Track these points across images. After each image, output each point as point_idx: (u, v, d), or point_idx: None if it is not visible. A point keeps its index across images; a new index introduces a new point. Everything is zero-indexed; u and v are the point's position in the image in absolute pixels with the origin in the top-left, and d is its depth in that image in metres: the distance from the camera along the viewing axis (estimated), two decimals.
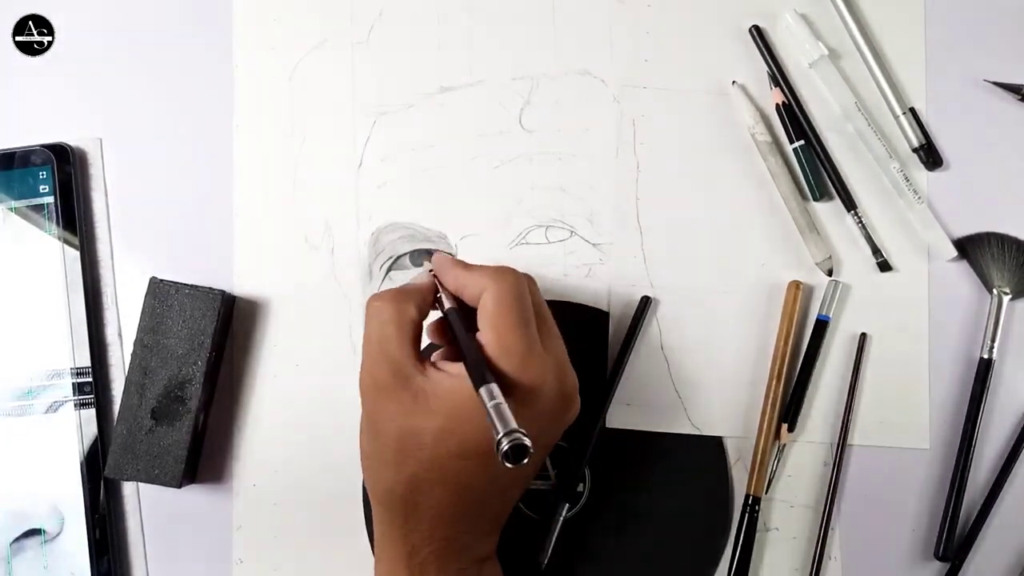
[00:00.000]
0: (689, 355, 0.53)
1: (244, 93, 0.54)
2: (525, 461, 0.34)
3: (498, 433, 0.34)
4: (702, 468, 0.52)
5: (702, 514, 0.52)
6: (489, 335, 0.41)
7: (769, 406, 0.52)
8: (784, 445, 0.52)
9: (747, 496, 0.51)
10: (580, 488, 0.52)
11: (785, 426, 0.52)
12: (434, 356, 0.45)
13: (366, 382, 0.42)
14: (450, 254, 0.47)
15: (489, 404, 0.36)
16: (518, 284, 0.42)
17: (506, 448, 0.34)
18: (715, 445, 0.52)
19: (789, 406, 0.52)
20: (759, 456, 0.51)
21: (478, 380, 0.37)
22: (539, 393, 0.40)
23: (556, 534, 0.51)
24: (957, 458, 0.52)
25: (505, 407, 0.36)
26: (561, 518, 0.51)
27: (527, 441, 0.34)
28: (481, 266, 0.44)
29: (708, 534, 0.52)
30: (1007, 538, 0.52)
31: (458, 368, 0.41)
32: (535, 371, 0.40)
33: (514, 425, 0.35)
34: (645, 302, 0.53)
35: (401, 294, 0.43)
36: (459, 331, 0.41)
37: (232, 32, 0.55)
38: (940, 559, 0.51)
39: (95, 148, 0.54)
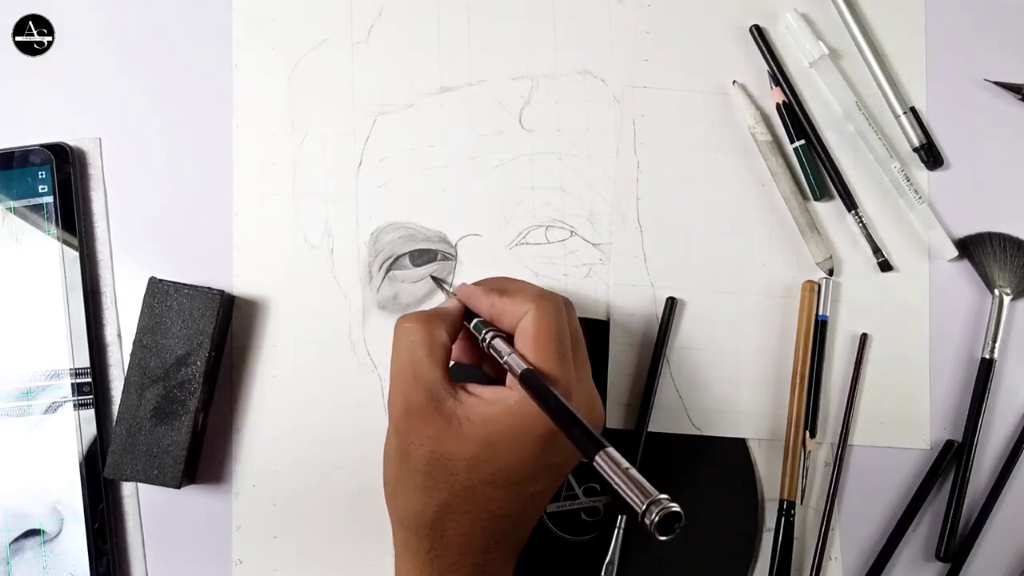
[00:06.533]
0: (689, 355, 0.53)
1: (243, 93, 0.54)
2: (677, 530, 0.30)
3: (641, 504, 0.30)
4: (726, 471, 0.52)
5: (728, 519, 0.52)
6: (529, 360, 0.40)
7: (795, 413, 0.51)
8: (810, 452, 0.52)
9: (781, 502, 0.51)
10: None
11: (807, 433, 0.51)
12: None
13: (397, 405, 0.41)
14: (474, 284, 0.45)
15: (618, 472, 0.32)
16: (559, 312, 0.42)
17: (656, 519, 0.30)
18: (739, 447, 0.52)
19: (809, 412, 0.52)
20: (789, 461, 0.51)
21: (592, 447, 0.33)
22: None
23: (619, 547, 0.50)
24: (958, 459, 0.52)
25: (635, 472, 0.31)
26: (621, 531, 0.50)
27: (677, 507, 0.30)
28: (520, 288, 0.43)
29: (736, 539, 0.51)
30: (1008, 539, 0.52)
31: (493, 393, 0.40)
32: (571, 402, 0.39)
33: (656, 492, 0.30)
34: (671, 303, 0.52)
35: (431, 316, 0.42)
36: (548, 392, 0.38)
37: (231, 32, 0.54)
38: (941, 560, 0.51)
39: (94, 148, 0.54)
